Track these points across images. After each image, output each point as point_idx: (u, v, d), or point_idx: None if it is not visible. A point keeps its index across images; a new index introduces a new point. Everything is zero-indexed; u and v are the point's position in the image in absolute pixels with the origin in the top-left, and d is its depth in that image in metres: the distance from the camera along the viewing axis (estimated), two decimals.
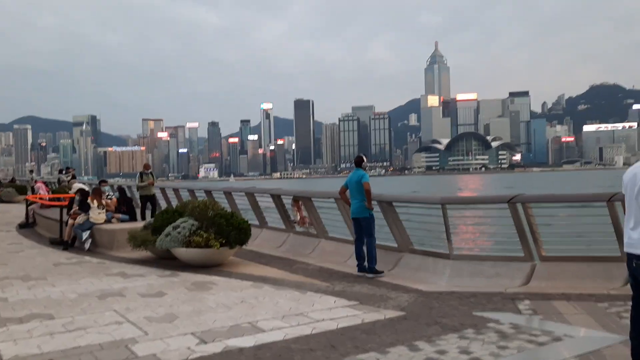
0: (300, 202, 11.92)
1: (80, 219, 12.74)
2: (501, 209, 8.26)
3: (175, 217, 10.66)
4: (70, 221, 13.03)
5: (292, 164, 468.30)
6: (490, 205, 8.94)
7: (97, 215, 12.79)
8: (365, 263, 9.08)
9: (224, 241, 9.90)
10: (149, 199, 16.81)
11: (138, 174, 17.71)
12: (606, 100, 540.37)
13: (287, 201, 12.51)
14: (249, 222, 11.40)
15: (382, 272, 8.94)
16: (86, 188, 15.50)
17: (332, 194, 11.03)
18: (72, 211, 13.36)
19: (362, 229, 9.11)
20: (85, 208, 12.90)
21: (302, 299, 7.46)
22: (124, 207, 13.68)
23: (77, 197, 13.66)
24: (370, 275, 8.87)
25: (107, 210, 13.23)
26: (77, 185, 18.56)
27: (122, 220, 13.25)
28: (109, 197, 14.30)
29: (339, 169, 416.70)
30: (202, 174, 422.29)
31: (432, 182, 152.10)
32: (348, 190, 9.41)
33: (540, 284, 7.80)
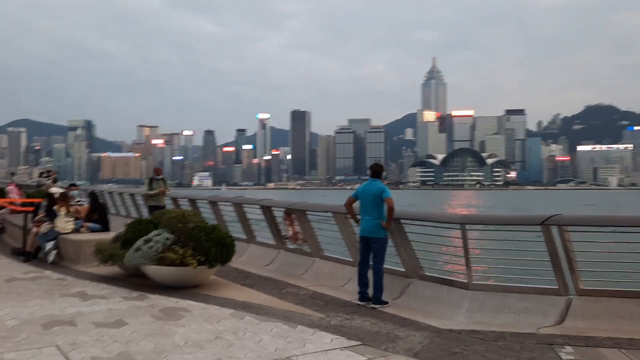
0: (293, 216, 10.54)
1: (45, 227, 11.32)
2: (532, 231, 6.95)
3: (149, 228, 9.29)
4: (34, 229, 11.62)
5: (286, 175, 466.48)
6: (518, 227, 7.59)
7: (64, 224, 11.37)
8: (369, 290, 7.73)
9: (202, 259, 8.53)
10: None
11: (147, 180, 14.76)
12: (601, 121, 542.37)
13: (279, 214, 11.14)
14: (236, 236, 10.07)
15: (387, 302, 7.59)
16: (60, 192, 14.05)
17: (329, 207, 9.70)
18: (36, 218, 11.94)
19: (372, 251, 7.73)
20: (51, 215, 11.49)
21: (291, 336, 6.10)
22: (96, 214, 12.22)
23: (43, 203, 12.24)
24: (373, 306, 7.52)
25: (76, 219, 11.83)
26: (52, 190, 17.04)
27: (92, 230, 11.75)
28: (79, 202, 12.85)
29: (333, 180, 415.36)
30: (196, 182, 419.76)
31: (431, 196, 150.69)
32: (357, 202, 8.00)
33: (578, 324, 6.48)
